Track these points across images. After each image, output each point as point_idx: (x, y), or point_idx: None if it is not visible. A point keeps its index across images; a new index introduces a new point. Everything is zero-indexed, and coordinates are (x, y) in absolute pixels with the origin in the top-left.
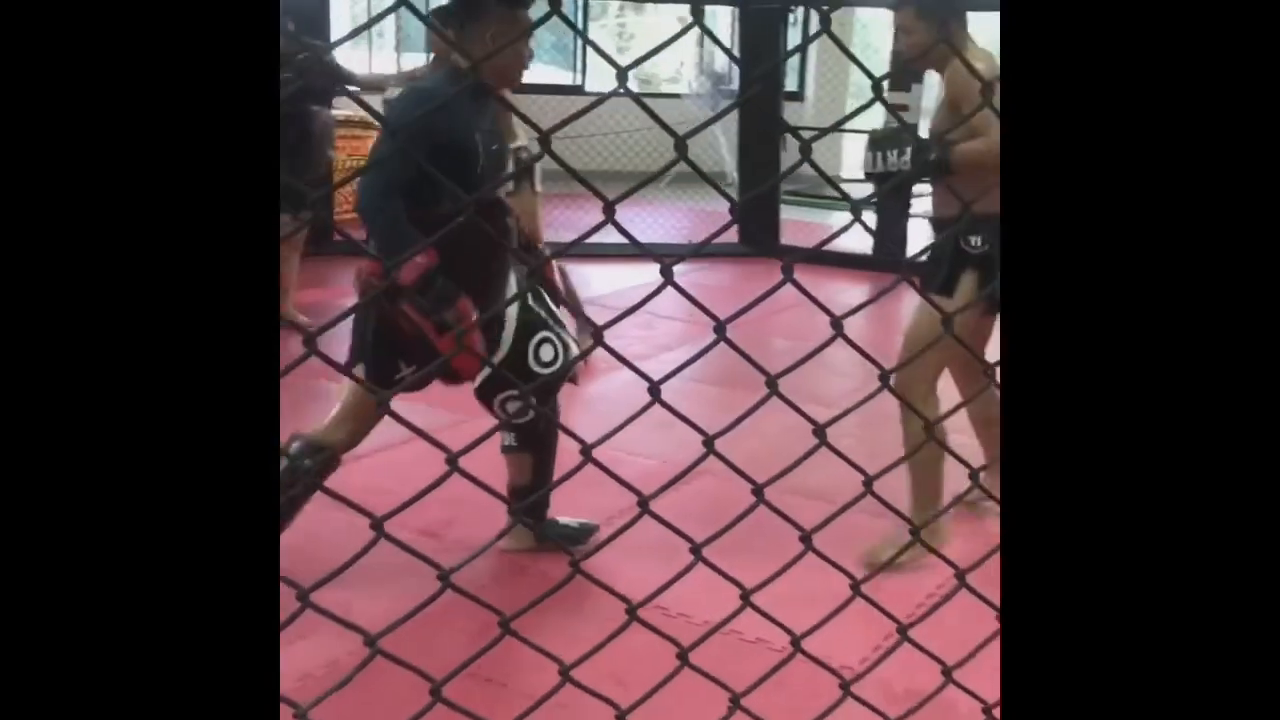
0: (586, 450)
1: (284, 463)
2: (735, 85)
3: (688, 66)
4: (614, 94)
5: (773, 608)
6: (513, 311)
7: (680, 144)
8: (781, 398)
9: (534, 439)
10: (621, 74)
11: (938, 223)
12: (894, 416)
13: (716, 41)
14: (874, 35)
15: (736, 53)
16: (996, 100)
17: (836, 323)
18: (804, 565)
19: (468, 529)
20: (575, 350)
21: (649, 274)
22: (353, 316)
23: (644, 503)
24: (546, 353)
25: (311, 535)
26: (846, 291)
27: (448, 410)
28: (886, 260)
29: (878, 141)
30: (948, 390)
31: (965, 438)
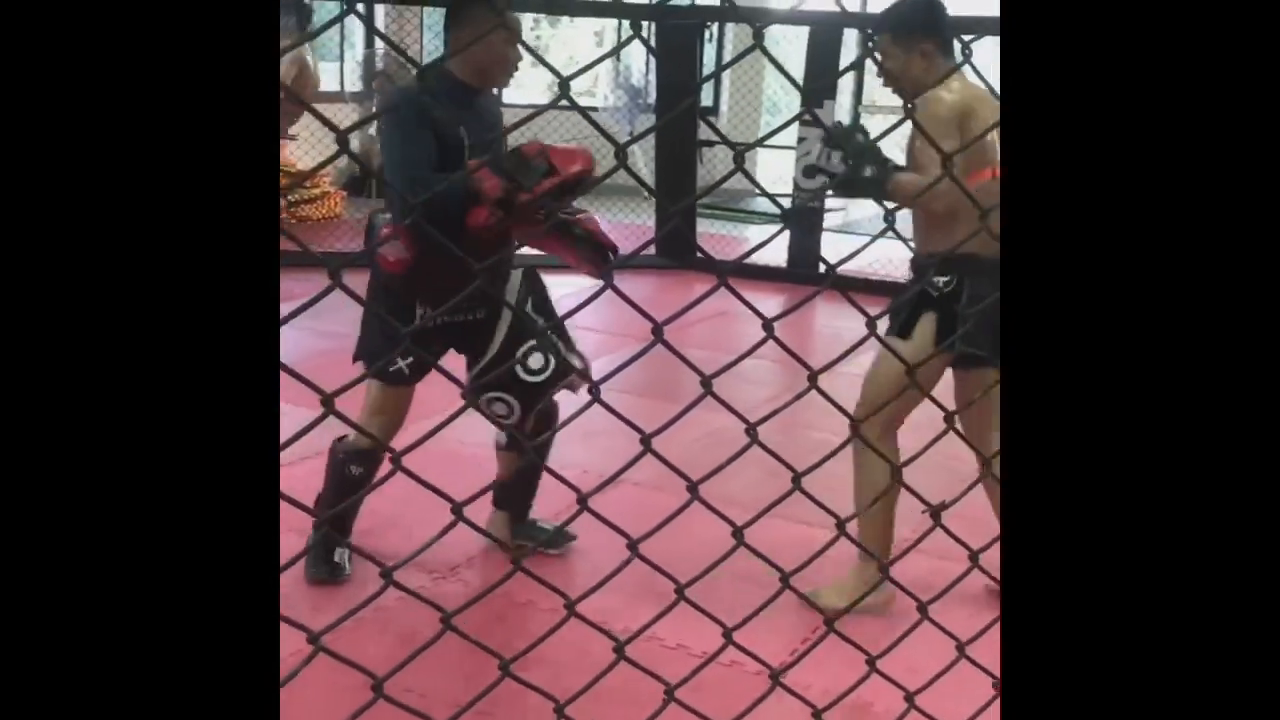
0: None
1: (334, 468)
2: (652, 99)
3: (603, 79)
4: (553, 105)
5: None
6: (507, 315)
7: (620, 153)
8: (716, 397)
9: (518, 441)
10: (564, 84)
11: (916, 262)
12: (810, 424)
13: (653, 51)
14: (787, 49)
15: (652, 66)
16: (949, 139)
17: (768, 325)
18: (728, 572)
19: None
20: (574, 363)
21: (566, 285)
22: (363, 310)
23: (583, 500)
24: (535, 361)
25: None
26: (762, 303)
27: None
28: (800, 273)
29: (834, 138)
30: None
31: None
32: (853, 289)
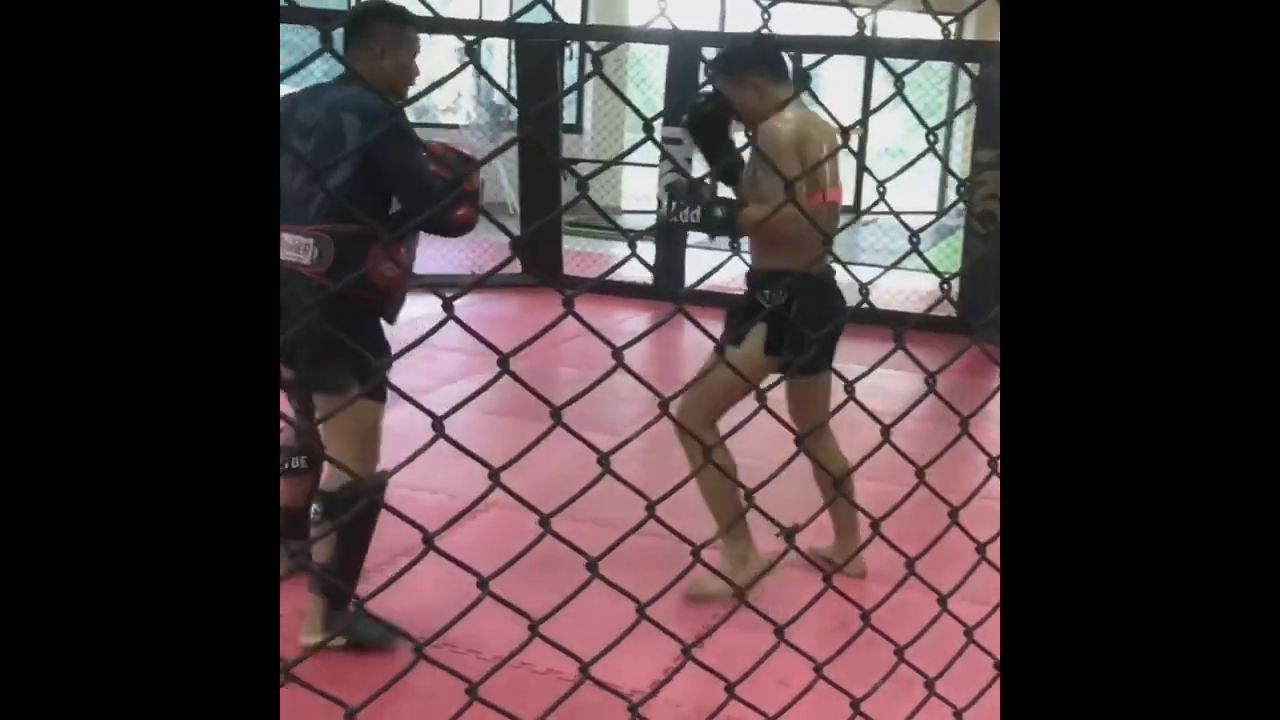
0: (370, 490)
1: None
2: (514, 116)
3: (465, 97)
4: (419, 125)
5: (564, 638)
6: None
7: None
8: (566, 428)
9: (318, 462)
10: (397, 109)
11: (750, 276)
12: (676, 441)
13: (492, 81)
14: (648, 68)
15: (514, 85)
16: (790, 166)
17: (618, 353)
18: (596, 594)
19: None
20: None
21: (430, 305)
22: (333, 339)
23: (429, 539)
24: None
25: None
26: (629, 320)
27: None
28: (665, 291)
29: (674, 193)
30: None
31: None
32: (716, 304)
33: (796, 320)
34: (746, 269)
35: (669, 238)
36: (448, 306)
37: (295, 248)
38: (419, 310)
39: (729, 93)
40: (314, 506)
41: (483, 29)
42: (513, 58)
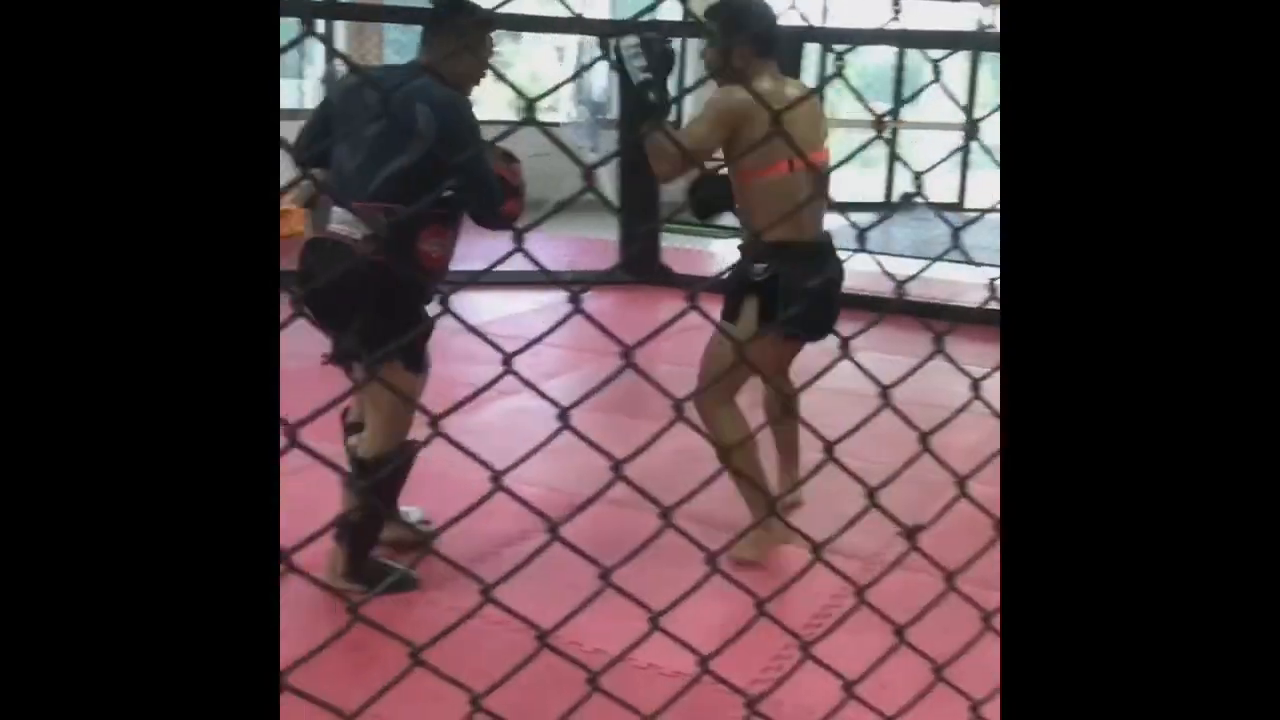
0: (497, 477)
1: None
2: (614, 114)
3: (564, 95)
4: (524, 124)
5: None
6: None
7: (588, 173)
8: (687, 422)
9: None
10: (530, 105)
11: (741, 248)
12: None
13: (621, 69)
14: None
15: (615, 83)
16: (705, 125)
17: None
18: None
19: None
20: None
21: (525, 301)
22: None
23: (554, 529)
24: None
25: None
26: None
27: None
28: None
29: (643, 44)
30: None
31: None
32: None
33: (785, 289)
34: (739, 243)
35: None
36: (575, 300)
37: (349, 222)
38: (517, 306)
39: (713, 56)
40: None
41: (591, 27)
42: (614, 56)
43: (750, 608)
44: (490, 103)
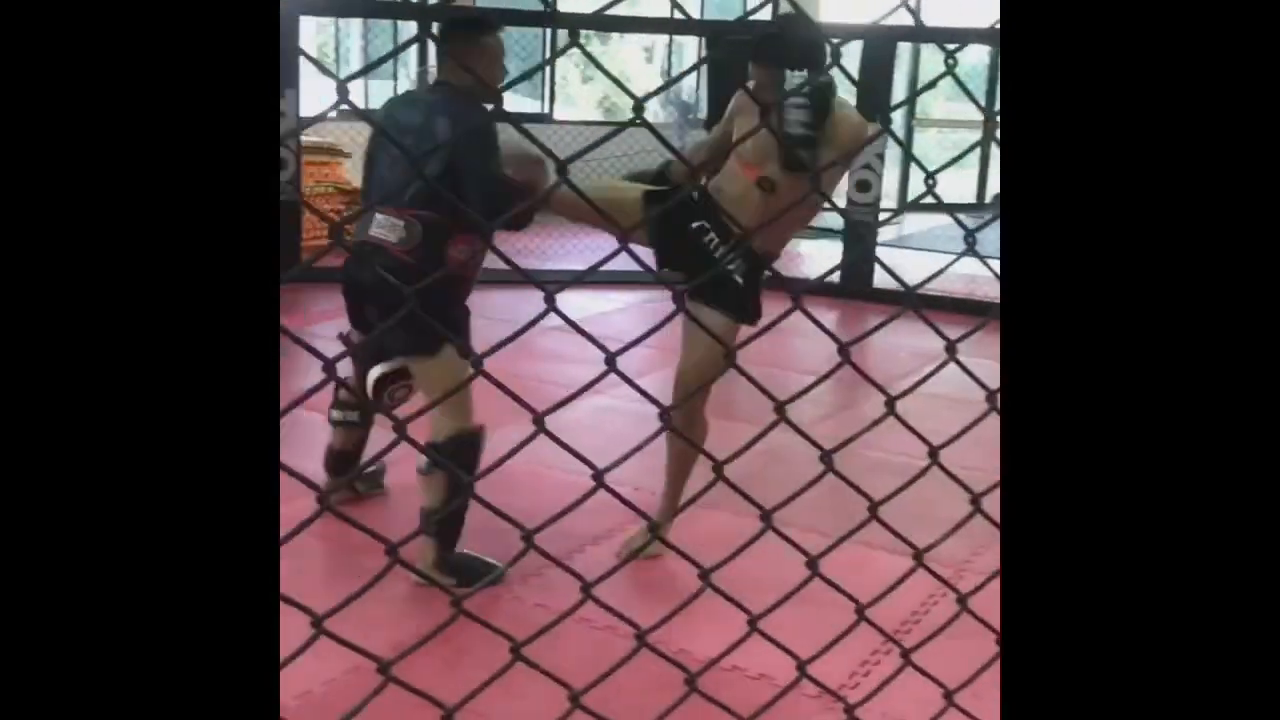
0: (598, 476)
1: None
2: (702, 113)
3: (655, 97)
4: (630, 124)
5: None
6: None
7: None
8: (791, 425)
9: (369, 417)
10: (638, 105)
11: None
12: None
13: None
14: (847, 63)
15: (703, 82)
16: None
17: (844, 349)
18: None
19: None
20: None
21: (610, 301)
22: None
23: (654, 528)
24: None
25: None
26: (820, 318)
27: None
28: (853, 289)
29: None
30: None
31: None
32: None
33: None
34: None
35: (858, 236)
36: (678, 299)
37: (387, 227)
38: (602, 305)
39: (761, 80)
40: (421, 462)
41: (682, 27)
42: (702, 54)
43: (833, 610)
44: (582, 104)
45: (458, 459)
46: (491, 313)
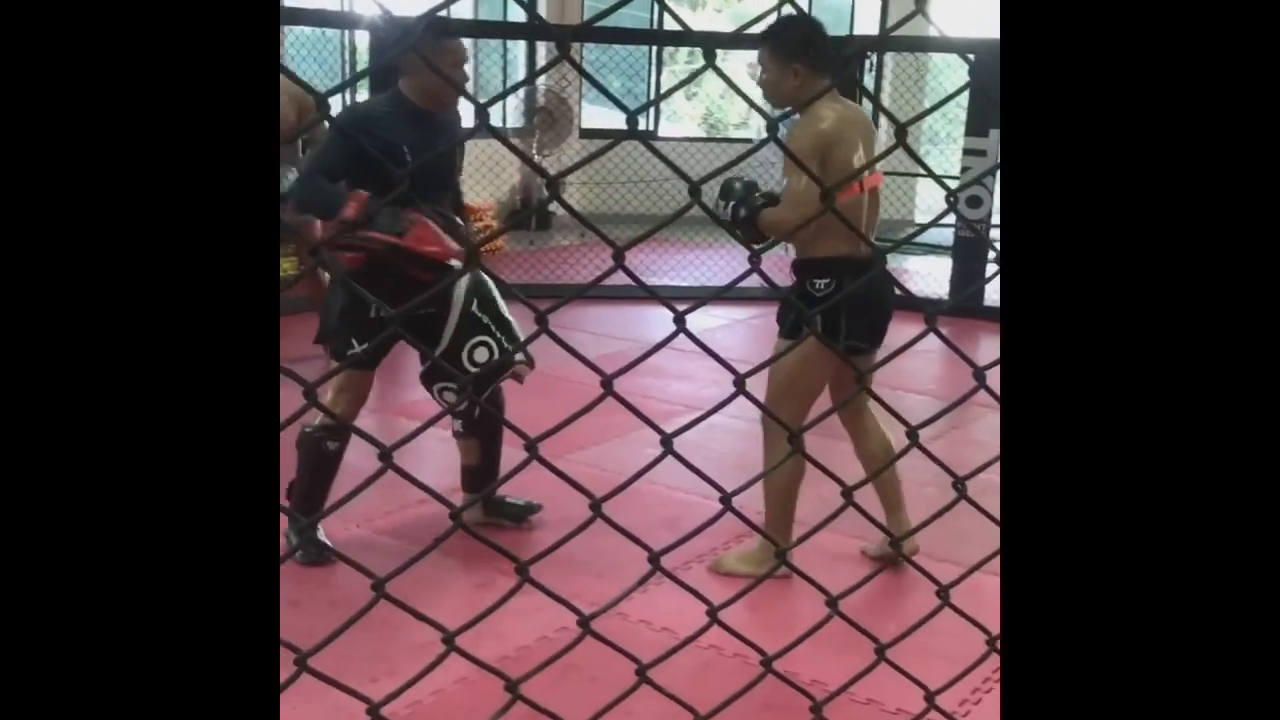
0: (726, 499)
1: (309, 444)
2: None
3: (755, 112)
4: (766, 142)
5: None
6: (455, 312)
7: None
8: (923, 450)
9: (475, 426)
10: (772, 125)
11: (795, 265)
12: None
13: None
14: (946, 79)
15: None
16: (834, 153)
17: (979, 374)
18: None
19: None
20: (517, 355)
21: (712, 317)
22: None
23: (781, 554)
24: (480, 354)
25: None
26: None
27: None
28: (963, 306)
29: (723, 192)
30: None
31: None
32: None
33: (846, 304)
34: (792, 259)
35: (966, 252)
36: (808, 322)
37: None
38: (705, 321)
39: (770, 69)
40: (455, 425)
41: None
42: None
43: (943, 637)
44: (686, 121)
45: (310, 449)
46: (594, 326)
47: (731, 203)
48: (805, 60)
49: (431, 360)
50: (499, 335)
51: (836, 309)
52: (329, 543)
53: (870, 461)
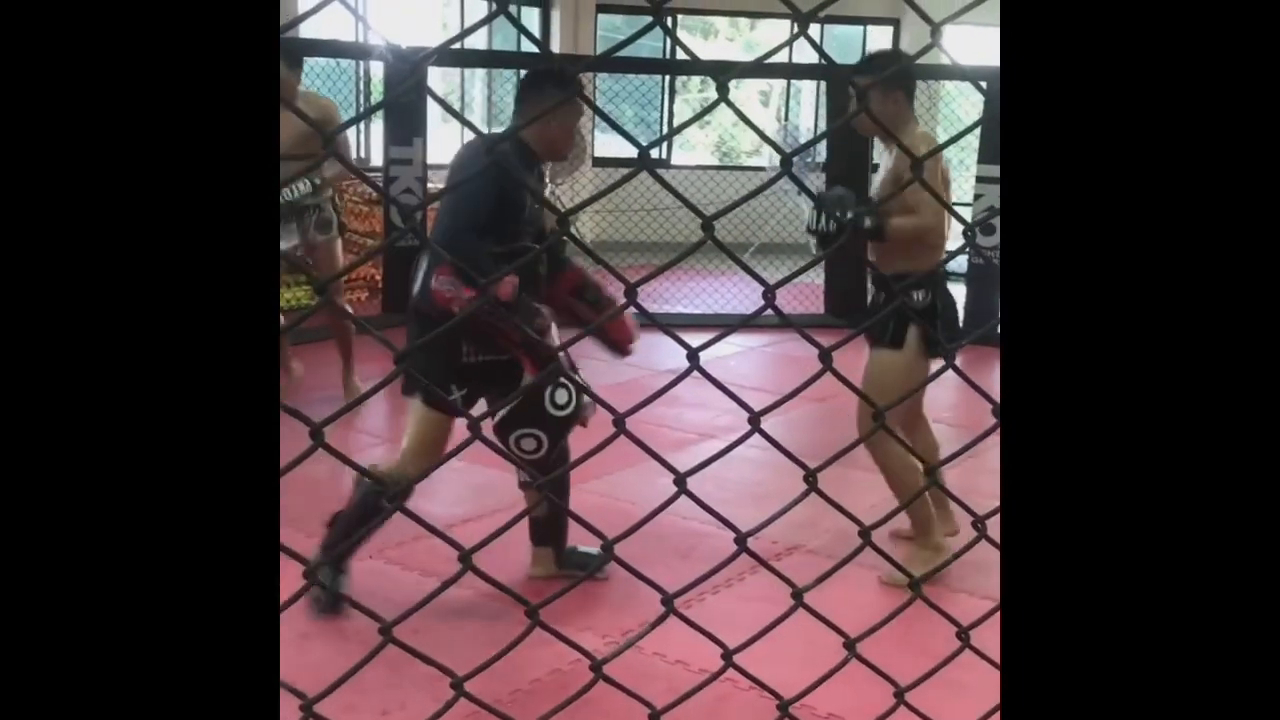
0: (741, 540)
1: (364, 498)
2: (821, 157)
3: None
4: (782, 174)
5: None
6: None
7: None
8: (943, 489)
9: (546, 474)
10: (786, 160)
11: (879, 278)
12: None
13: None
14: (958, 106)
15: (823, 124)
16: (931, 180)
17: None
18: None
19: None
20: (585, 396)
21: (732, 344)
22: (407, 342)
23: (798, 594)
24: (561, 397)
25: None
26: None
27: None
28: (977, 333)
29: (824, 202)
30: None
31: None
32: None
33: (941, 313)
34: (873, 272)
35: (981, 282)
36: (825, 357)
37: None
38: (719, 349)
39: (876, 98)
40: (521, 476)
41: (795, 71)
42: (822, 96)
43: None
44: (700, 149)
45: (367, 499)
46: (606, 354)
47: (846, 212)
48: (902, 88)
49: (514, 405)
50: (573, 377)
51: (933, 318)
52: (348, 589)
53: (927, 454)
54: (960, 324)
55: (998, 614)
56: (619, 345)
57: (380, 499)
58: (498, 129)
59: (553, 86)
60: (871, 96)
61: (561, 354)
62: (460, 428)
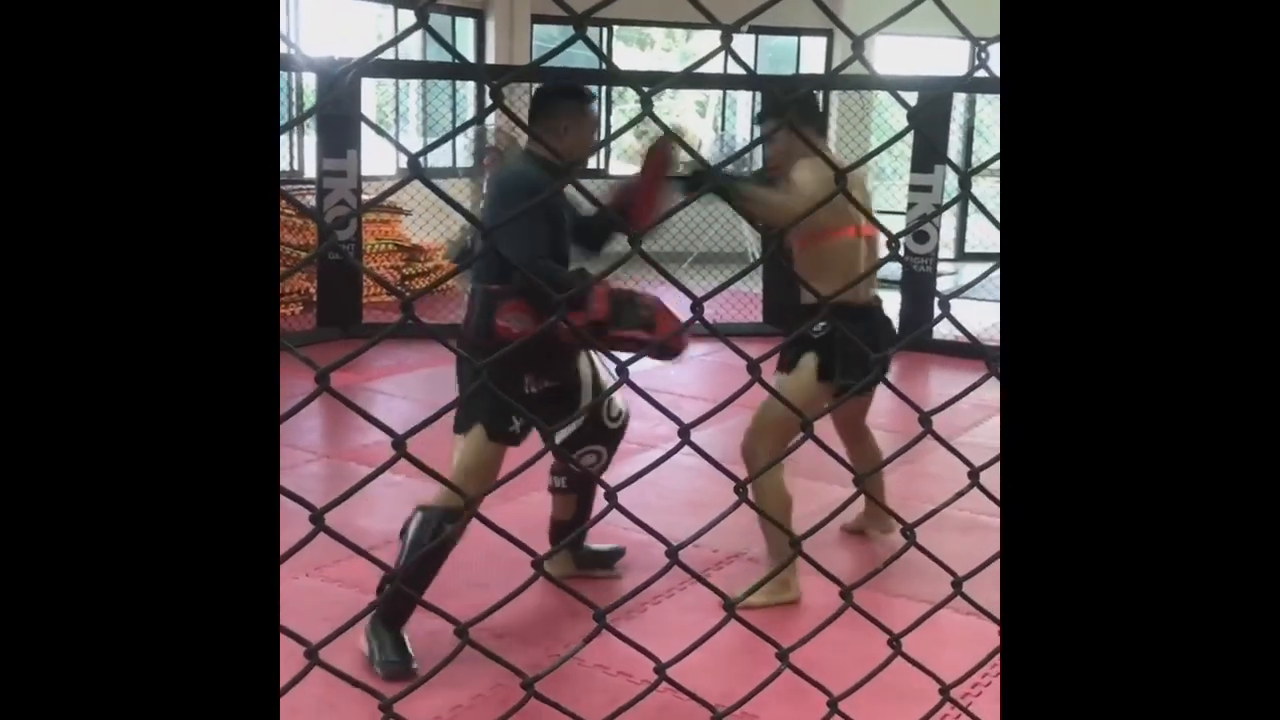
0: (673, 552)
1: (418, 534)
2: (757, 165)
3: (706, 147)
4: (708, 188)
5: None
6: (587, 372)
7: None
8: (870, 495)
9: (583, 483)
10: (711, 171)
11: (793, 311)
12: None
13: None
14: (890, 115)
15: (756, 134)
16: (821, 184)
17: (925, 419)
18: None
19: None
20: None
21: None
22: (459, 378)
23: (730, 607)
24: (614, 409)
25: None
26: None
27: None
28: (912, 339)
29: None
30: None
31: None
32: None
33: (840, 346)
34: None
35: (914, 289)
36: (753, 368)
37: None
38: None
39: (784, 139)
40: (553, 481)
41: (727, 82)
42: (757, 106)
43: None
44: (637, 159)
45: (420, 532)
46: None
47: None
48: (815, 124)
49: (580, 426)
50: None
51: (832, 350)
52: (411, 648)
53: (866, 463)
54: (887, 344)
55: (930, 619)
56: (675, 350)
57: (442, 524)
58: (431, 139)
59: (565, 100)
60: (780, 139)
61: (591, 363)
62: (512, 453)
